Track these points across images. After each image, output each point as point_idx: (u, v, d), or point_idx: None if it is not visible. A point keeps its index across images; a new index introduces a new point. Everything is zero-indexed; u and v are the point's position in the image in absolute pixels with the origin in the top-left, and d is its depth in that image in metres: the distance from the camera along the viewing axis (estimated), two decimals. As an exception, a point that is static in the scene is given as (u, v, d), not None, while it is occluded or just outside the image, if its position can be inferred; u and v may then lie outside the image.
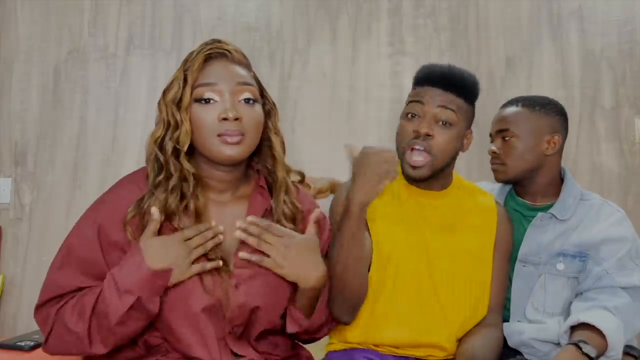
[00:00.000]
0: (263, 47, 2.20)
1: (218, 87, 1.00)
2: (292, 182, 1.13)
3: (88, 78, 2.25)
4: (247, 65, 1.07)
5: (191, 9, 2.24)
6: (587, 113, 2.07)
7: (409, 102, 1.26)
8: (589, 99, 2.07)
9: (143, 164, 1.18)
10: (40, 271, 2.21)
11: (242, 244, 1.03)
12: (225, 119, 0.99)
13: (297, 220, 1.09)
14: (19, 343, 1.15)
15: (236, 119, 0.99)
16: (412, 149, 1.21)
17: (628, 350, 1.30)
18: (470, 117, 1.28)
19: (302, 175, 1.18)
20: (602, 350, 1.15)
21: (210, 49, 1.03)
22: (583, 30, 2.09)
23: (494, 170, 1.45)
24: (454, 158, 1.27)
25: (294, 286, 1.06)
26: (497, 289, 1.30)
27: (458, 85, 1.22)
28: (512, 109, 1.43)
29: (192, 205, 1.01)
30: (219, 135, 0.99)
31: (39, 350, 1.14)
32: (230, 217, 1.05)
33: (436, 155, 1.21)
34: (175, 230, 1.00)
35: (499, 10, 2.14)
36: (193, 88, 1.01)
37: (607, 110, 2.06)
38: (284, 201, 1.08)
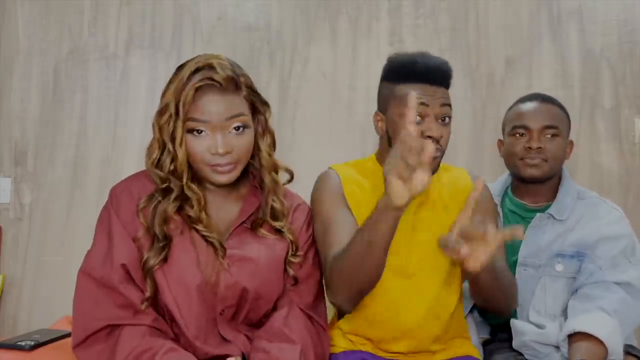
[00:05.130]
0: (263, 47, 2.19)
1: (210, 124, 1.03)
2: (277, 183, 1.17)
3: (88, 78, 2.25)
4: (237, 90, 1.06)
5: (191, 9, 2.24)
6: (587, 113, 2.06)
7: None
8: (589, 99, 2.07)
9: (143, 164, 1.19)
10: (40, 271, 2.22)
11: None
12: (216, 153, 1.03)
13: (284, 216, 1.15)
14: (19, 343, 1.14)
15: (227, 153, 1.03)
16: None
17: (629, 350, 1.30)
18: None
19: (291, 173, 1.20)
20: (603, 357, 1.15)
21: (201, 80, 1.02)
22: (583, 30, 2.09)
23: (531, 165, 1.36)
24: None
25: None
26: None
27: (446, 78, 1.21)
28: (554, 108, 1.39)
29: (193, 214, 1.06)
30: (210, 165, 1.05)
31: (39, 350, 1.14)
32: (225, 214, 1.12)
33: (441, 150, 1.21)
34: (180, 231, 1.05)
35: (499, 10, 2.13)
36: (185, 121, 1.03)
37: (607, 110, 2.06)
38: (273, 200, 1.14)
